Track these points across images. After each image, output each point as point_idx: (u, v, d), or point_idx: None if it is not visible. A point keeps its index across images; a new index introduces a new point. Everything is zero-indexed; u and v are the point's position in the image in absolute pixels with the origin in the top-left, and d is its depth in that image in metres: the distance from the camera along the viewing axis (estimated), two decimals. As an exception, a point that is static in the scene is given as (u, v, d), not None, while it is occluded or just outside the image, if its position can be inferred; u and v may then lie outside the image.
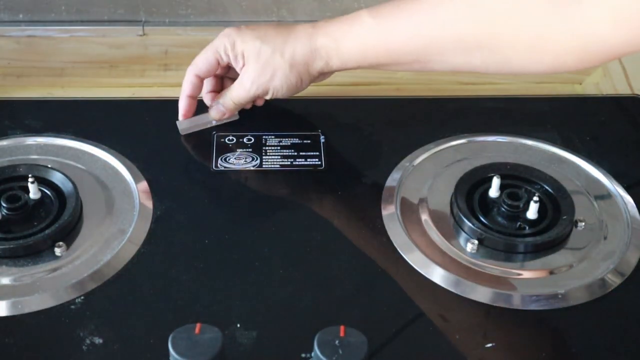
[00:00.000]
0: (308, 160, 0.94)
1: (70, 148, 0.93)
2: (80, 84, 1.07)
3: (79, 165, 0.91)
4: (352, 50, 0.89)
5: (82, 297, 0.78)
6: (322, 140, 0.96)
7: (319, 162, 0.93)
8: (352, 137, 0.98)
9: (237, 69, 0.93)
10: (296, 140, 0.96)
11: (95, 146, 0.93)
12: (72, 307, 0.77)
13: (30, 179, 0.85)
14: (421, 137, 0.96)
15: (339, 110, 1.01)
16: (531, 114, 1.01)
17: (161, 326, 0.74)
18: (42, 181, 0.87)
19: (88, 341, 0.74)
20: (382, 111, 1.02)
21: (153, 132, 0.97)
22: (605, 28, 0.74)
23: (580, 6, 0.75)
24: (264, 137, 0.96)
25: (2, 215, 0.83)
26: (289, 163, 0.93)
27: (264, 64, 0.90)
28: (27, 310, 0.76)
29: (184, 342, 0.67)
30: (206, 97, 0.98)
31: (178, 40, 1.12)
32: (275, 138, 0.96)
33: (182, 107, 0.96)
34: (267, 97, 0.94)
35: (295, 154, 0.94)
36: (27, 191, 0.85)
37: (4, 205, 0.83)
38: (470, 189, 0.87)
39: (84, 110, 1.00)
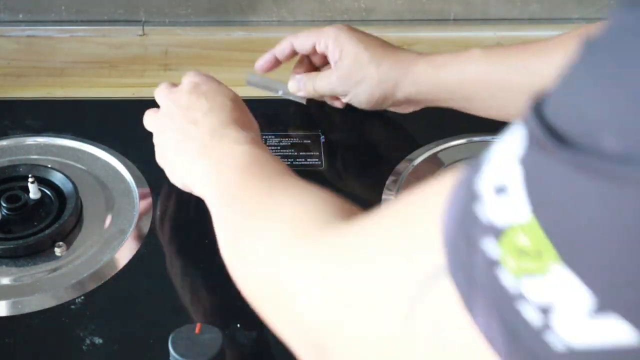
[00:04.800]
0: (308, 160, 0.94)
1: (70, 148, 0.93)
2: (80, 84, 1.06)
3: (79, 165, 0.91)
4: (451, 76, 0.87)
5: (82, 297, 0.78)
6: (322, 140, 0.96)
7: (319, 162, 0.93)
8: (352, 137, 0.97)
9: (332, 62, 0.94)
10: (296, 140, 0.96)
11: (95, 146, 0.93)
12: (72, 307, 0.77)
13: (30, 179, 0.85)
14: (421, 137, 0.96)
15: (339, 110, 1.01)
16: (531, 114, 1.01)
17: (161, 326, 0.74)
18: (42, 181, 0.87)
19: (88, 341, 0.74)
20: (382, 111, 1.02)
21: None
22: None
23: None
24: (264, 137, 0.96)
25: (2, 215, 0.83)
26: (289, 163, 0.93)
27: (357, 68, 0.91)
28: (27, 310, 0.76)
29: (184, 342, 0.67)
30: (293, 72, 0.98)
31: (178, 40, 1.12)
32: (275, 138, 0.96)
33: (264, 59, 0.97)
34: (345, 100, 0.95)
35: (295, 154, 0.94)
36: (27, 191, 0.85)
37: (4, 205, 0.83)
38: (470, 189, 0.87)
39: (84, 110, 1.00)
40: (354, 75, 0.91)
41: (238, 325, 0.75)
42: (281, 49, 0.96)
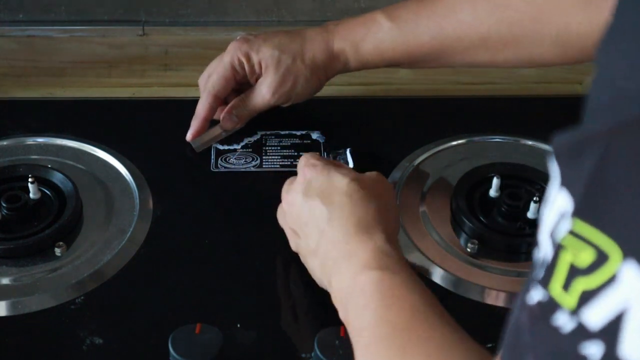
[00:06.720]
0: (308, 160, 0.94)
1: (70, 148, 0.93)
2: (80, 84, 1.07)
3: (79, 165, 0.91)
4: (371, 53, 0.90)
5: (82, 297, 0.78)
6: (322, 141, 0.96)
7: (319, 162, 0.93)
8: (352, 137, 0.97)
9: (252, 81, 0.93)
10: (296, 140, 0.96)
11: (95, 146, 0.93)
12: (72, 307, 0.77)
13: (30, 179, 0.85)
14: (421, 137, 0.96)
15: (339, 110, 1.01)
16: (531, 114, 1.01)
17: (161, 326, 0.74)
18: (42, 181, 0.87)
19: (88, 341, 0.74)
20: (382, 111, 1.02)
21: (153, 132, 0.97)
22: None
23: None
24: (264, 137, 0.96)
25: (2, 215, 0.83)
26: (289, 163, 0.93)
27: (284, 73, 0.90)
28: (27, 310, 0.76)
29: (184, 342, 0.67)
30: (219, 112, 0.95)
31: (178, 40, 1.12)
32: (275, 138, 0.96)
33: (195, 128, 0.92)
34: (286, 105, 0.94)
35: (295, 154, 0.94)
36: (27, 191, 0.85)
37: (4, 205, 0.83)
38: (470, 189, 0.87)
39: (84, 110, 1.00)
40: (286, 80, 0.91)
41: (238, 325, 0.75)
42: (209, 110, 0.92)
